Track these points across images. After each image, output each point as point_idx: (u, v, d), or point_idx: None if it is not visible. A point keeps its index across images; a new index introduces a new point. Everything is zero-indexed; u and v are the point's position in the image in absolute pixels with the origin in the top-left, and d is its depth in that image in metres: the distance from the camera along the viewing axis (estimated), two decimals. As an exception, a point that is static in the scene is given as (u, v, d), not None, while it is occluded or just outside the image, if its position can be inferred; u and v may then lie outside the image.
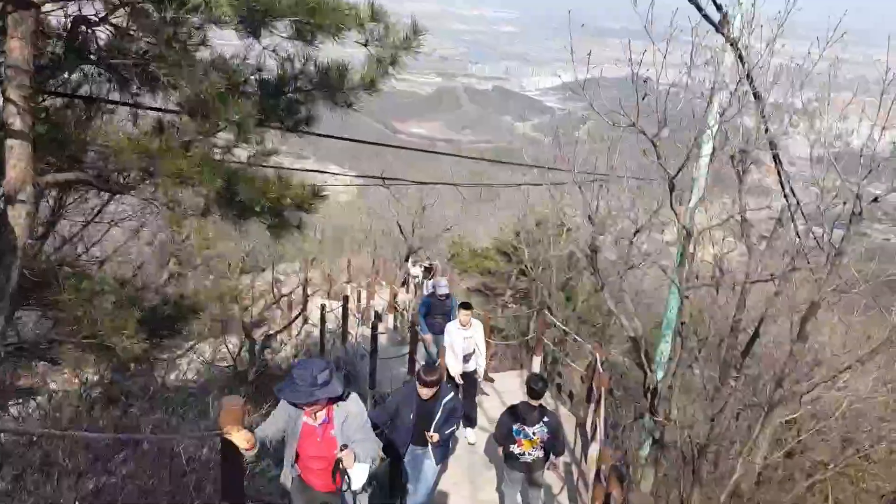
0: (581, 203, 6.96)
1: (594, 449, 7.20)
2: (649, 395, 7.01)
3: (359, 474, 3.48)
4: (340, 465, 3.46)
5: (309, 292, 16.18)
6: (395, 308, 14.65)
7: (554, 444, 5.62)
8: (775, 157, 6.57)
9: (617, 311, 7.20)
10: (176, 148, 3.02)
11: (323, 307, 12.16)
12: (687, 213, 5.68)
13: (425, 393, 5.16)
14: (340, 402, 3.68)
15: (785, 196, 6.63)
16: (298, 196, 3.85)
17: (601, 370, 7.51)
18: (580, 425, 8.27)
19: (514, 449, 5.56)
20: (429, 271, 15.73)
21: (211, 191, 3.26)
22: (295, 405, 3.59)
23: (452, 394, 5.45)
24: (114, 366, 10.65)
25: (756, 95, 5.76)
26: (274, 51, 3.55)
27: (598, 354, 7.81)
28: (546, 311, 9.27)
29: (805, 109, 5.99)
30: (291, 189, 3.81)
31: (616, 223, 9.14)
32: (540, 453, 5.61)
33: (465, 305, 7.52)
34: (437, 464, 5.54)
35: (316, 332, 12.99)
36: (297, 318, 11.40)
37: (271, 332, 11.11)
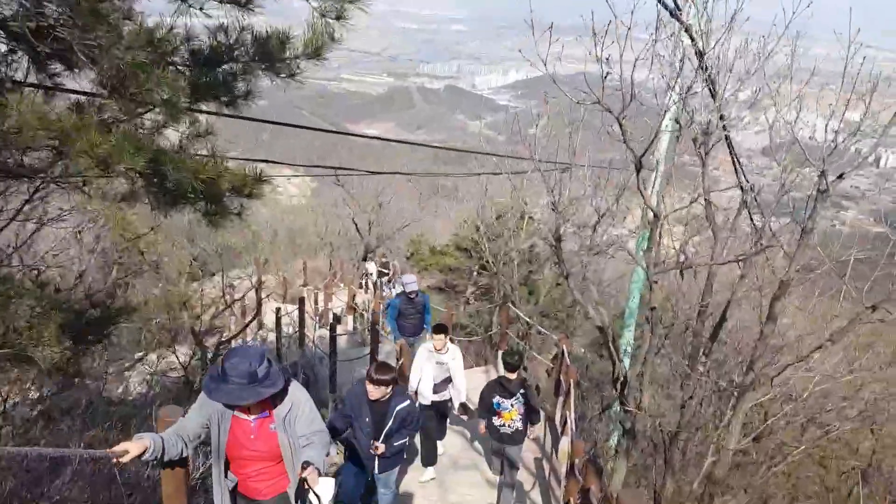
0: (541, 192, 6.77)
1: (565, 443, 7.00)
2: (619, 386, 6.85)
3: (326, 490, 3.06)
4: (305, 486, 2.96)
5: (263, 296, 15.61)
6: (354, 309, 14.25)
7: (533, 415, 6.01)
8: (729, 142, 6.51)
9: (583, 301, 7.01)
10: (94, 125, 2.62)
11: (278, 310, 11.68)
12: (654, 194, 5.51)
13: (373, 392, 4.55)
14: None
15: (741, 186, 6.57)
16: (238, 179, 3.42)
17: (568, 362, 7.32)
18: (549, 419, 8.07)
19: (496, 421, 5.97)
20: (385, 269, 15.37)
21: (135, 172, 2.83)
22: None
23: (409, 402, 4.84)
24: (55, 381, 10.00)
25: (711, 81, 5.66)
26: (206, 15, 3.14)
27: (564, 346, 7.63)
28: (510, 305, 9.05)
29: (760, 96, 5.95)
30: (229, 172, 3.39)
31: (578, 211, 9.00)
32: (519, 425, 5.94)
33: (439, 329, 6.51)
34: (380, 473, 4.95)
35: (272, 336, 12.50)
36: (251, 322, 10.90)
37: (224, 339, 10.58)
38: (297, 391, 3.17)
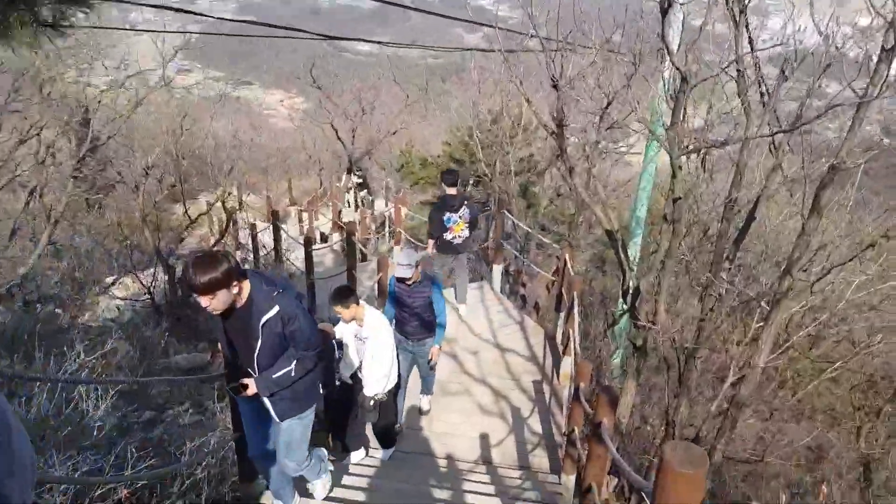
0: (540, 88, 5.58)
1: (567, 364, 6.16)
2: (629, 298, 5.92)
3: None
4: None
5: (248, 217, 14.59)
6: (341, 227, 13.25)
7: (475, 222, 6.85)
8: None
9: (589, 200, 5.98)
10: None
11: (253, 227, 10.68)
12: (681, 50, 4.36)
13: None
14: None
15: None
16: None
17: (571, 273, 6.37)
18: (549, 338, 7.24)
19: (447, 236, 6.64)
20: (361, 186, 14.26)
21: None
22: None
23: (278, 308, 2.96)
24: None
25: None
26: None
27: (567, 256, 6.66)
28: (505, 212, 8.02)
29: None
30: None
31: (583, 97, 7.80)
32: (466, 233, 6.76)
33: (340, 295, 4.31)
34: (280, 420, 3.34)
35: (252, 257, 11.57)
36: (223, 235, 9.89)
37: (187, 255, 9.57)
38: None
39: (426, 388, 5.80)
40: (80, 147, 10.48)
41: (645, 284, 5.71)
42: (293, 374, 3.09)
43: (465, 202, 6.66)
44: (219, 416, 5.45)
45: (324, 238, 14.46)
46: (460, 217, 6.56)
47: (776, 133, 4.61)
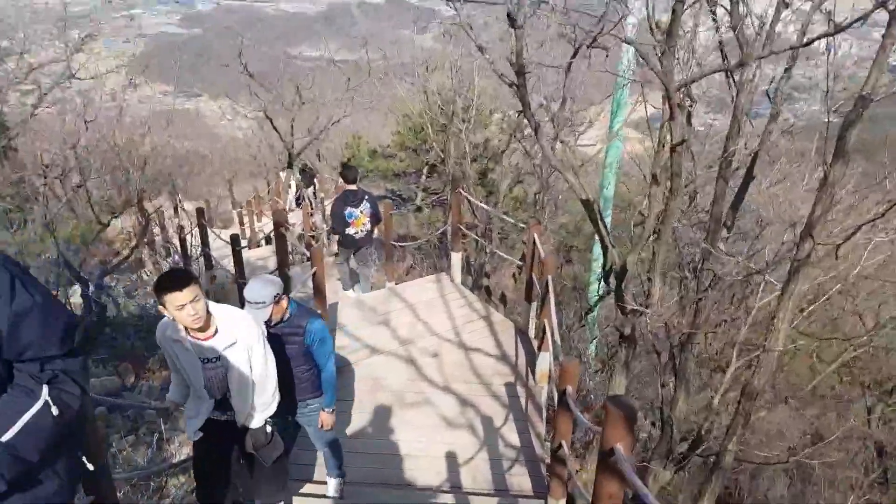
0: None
1: (545, 360, 5.18)
2: (614, 278, 4.98)
3: None
4: None
5: (174, 220, 13.21)
6: (286, 228, 12.03)
7: (376, 216, 6.82)
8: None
9: (559, 167, 5.03)
10: None
11: (181, 229, 9.41)
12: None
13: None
14: None
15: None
16: None
17: (542, 252, 5.39)
18: (521, 333, 6.26)
19: (349, 230, 6.67)
20: (305, 173, 13.08)
21: None
22: None
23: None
24: None
25: None
26: None
27: (535, 234, 5.68)
28: (460, 191, 7.01)
29: None
30: None
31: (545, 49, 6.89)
32: (367, 227, 6.77)
33: (173, 282, 2.64)
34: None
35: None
36: (134, 248, 8.61)
37: (110, 264, 8.30)
38: None
39: (330, 469, 4.04)
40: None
41: (632, 260, 4.78)
42: None
43: (366, 197, 6.75)
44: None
45: (268, 240, 13.24)
46: (361, 211, 6.65)
47: (785, 50, 3.72)
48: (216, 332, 2.77)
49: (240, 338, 2.82)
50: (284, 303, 3.37)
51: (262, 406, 3.03)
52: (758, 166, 5.18)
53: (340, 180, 13.75)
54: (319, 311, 5.02)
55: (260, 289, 3.26)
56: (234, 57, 11.03)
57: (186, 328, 2.70)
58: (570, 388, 3.50)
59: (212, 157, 29.71)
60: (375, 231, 7.02)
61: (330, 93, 12.43)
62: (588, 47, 4.33)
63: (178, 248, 9.56)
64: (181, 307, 2.55)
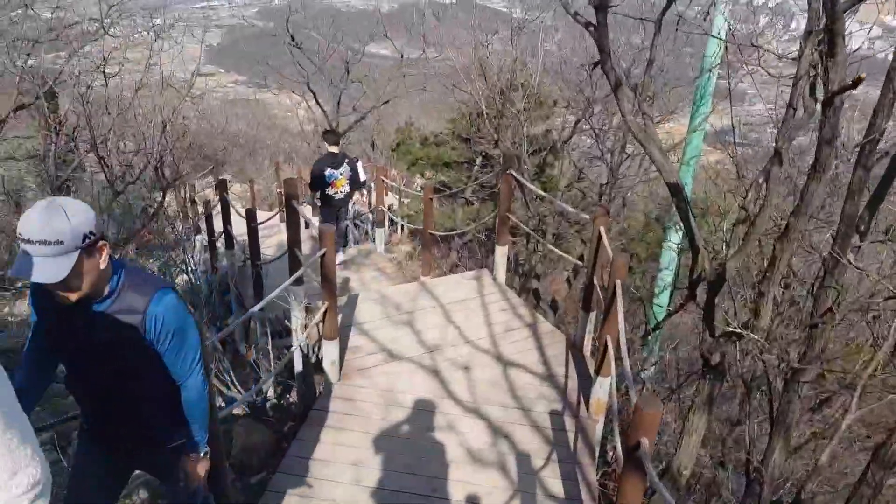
0: None
1: (602, 388, 4.06)
2: (705, 289, 3.80)
3: None
4: None
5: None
6: (297, 200, 11.24)
7: (356, 180, 7.17)
8: None
9: (643, 139, 3.88)
10: None
11: (206, 204, 8.65)
12: None
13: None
14: None
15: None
16: None
17: (610, 251, 4.25)
18: (574, 349, 5.12)
19: (329, 191, 6.97)
20: (329, 134, 12.33)
21: None
22: None
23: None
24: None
25: None
26: None
27: (601, 227, 4.54)
28: (512, 174, 5.91)
29: None
30: None
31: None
32: (347, 189, 7.07)
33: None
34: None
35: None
36: (158, 210, 7.82)
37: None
38: None
39: None
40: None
41: (733, 266, 3.59)
42: None
43: (346, 160, 6.98)
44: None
45: (306, 224, 12.51)
46: (341, 174, 6.92)
47: None
48: None
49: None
50: (103, 258, 1.84)
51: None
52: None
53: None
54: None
55: (46, 217, 1.64)
56: (307, 49, 10.60)
57: None
58: (645, 442, 2.38)
59: (267, 143, 29.61)
60: (355, 195, 7.35)
61: (378, 74, 11.59)
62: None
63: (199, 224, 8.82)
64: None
